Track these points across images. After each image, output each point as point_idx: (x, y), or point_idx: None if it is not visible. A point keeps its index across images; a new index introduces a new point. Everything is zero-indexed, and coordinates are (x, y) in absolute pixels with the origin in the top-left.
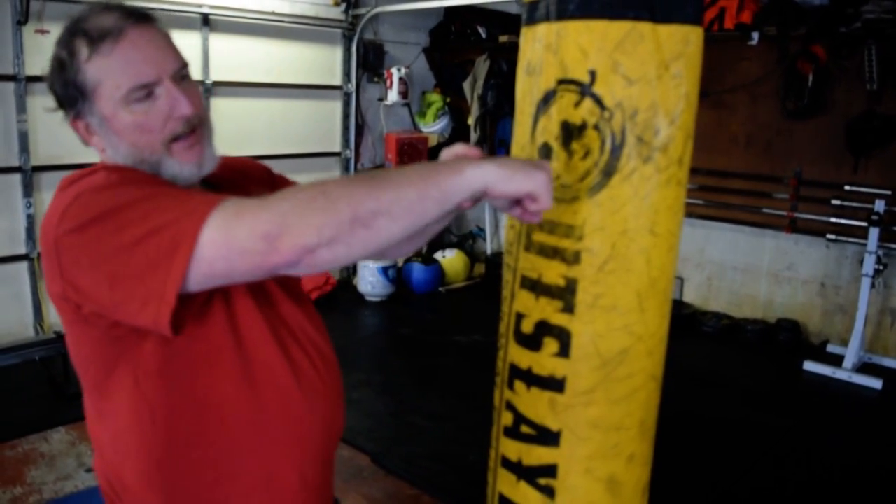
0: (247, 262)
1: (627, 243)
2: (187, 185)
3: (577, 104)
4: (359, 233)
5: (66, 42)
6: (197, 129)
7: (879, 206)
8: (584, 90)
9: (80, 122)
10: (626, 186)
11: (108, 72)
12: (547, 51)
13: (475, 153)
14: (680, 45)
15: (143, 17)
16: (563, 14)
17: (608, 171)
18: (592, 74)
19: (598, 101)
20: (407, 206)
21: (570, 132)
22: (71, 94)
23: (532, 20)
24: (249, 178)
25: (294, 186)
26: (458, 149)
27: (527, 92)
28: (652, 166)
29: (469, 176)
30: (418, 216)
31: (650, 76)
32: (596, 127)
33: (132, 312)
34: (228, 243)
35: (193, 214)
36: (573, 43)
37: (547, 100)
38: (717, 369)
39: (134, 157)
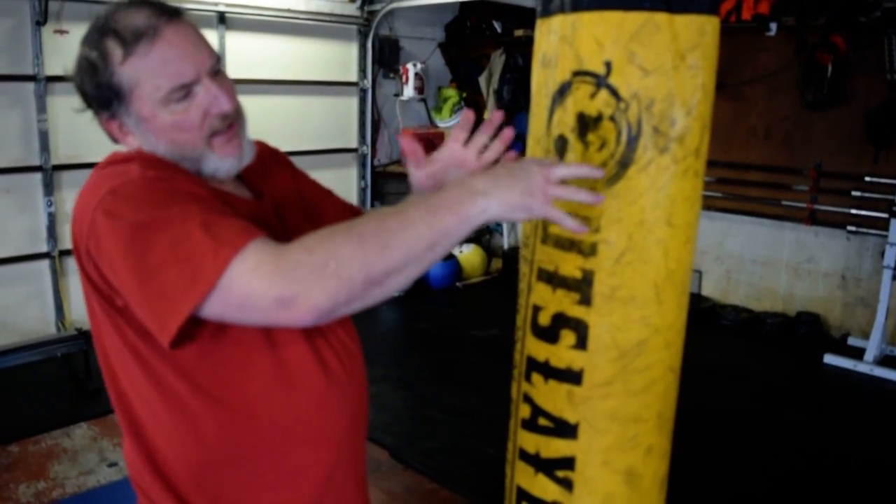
0: (258, 316)
1: (644, 235)
2: (227, 176)
3: (593, 96)
4: (373, 291)
5: (96, 42)
6: (234, 123)
7: None
8: (599, 81)
9: (114, 122)
10: (643, 177)
11: (146, 73)
12: (562, 42)
13: (472, 164)
14: (696, 35)
15: (175, 13)
16: (578, 5)
17: (624, 163)
18: (608, 65)
19: (614, 93)
20: (417, 258)
21: (586, 124)
22: (105, 95)
23: (547, 12)
24: (277, 164)
25: (305, 240)
26: (454, 150)
27: (542, 84)
28: (668, 157)
29: (475, 215)
30: (427, 263)
31: (666, 67)
32: (612, 118)
33: (143, 320)
34: (243, 298)
35: (217, 254)
36: (588, 34)
37: (562, 92)
38: (737, 363)
39: (173, 155)
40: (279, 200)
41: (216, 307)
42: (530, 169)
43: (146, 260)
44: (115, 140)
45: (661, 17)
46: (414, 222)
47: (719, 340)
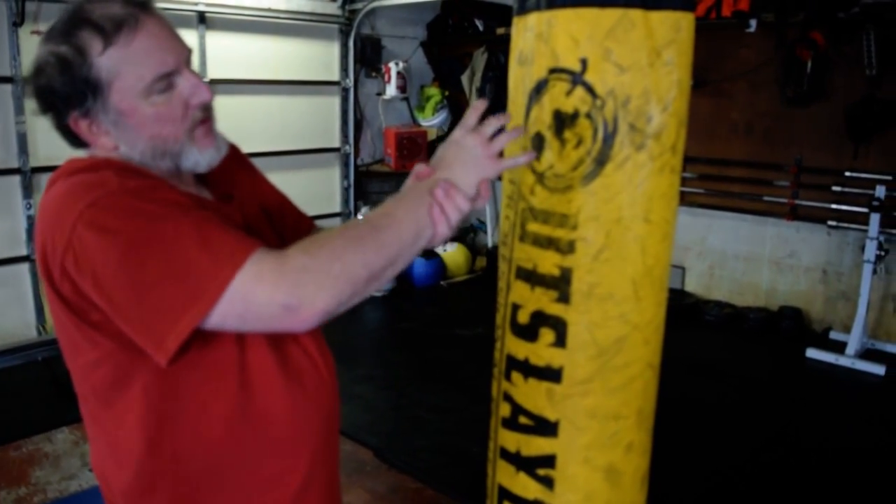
0: (262, 324)
1: (622, 232)
2: (205, 170)
3: (569, 93)
4: (371, 285)
5: (67, 36)
6: (208, 115)
7: (880, 191)
8: (575, 79)
9: (85, 121)
10: (620, 175)
11: (128, 63)
12: (538, 40)
13: (426, 172)
14: (671, 31)
15: (146, 5)
16: (553, 3)
17: (601, 160)
18: (584, 63)
19: (590, 90)
20: (407, 251)
21: (563, 121)
22: (79, 91)
23: (523, 10)
24: (240, 165)
25: (303, 245)
26: (417, 168)
27: (519, 82)
28: (645, 154)
29: None
30: (415, 253)
31: (642, 63)
32: (588, 115)
33: (135, 338)
34: (246, 307)
35: (219, 270)
36: (564, 31)
37: (539, 89)
38: (720, 358)
39: (154, 151)
40: (244, 202)
41: (215, 319)
42: (468, 145)
43: (141, 276)
44: (79, 143)
45: (636, 14)
46: (401, 219)
47: (703, 336)
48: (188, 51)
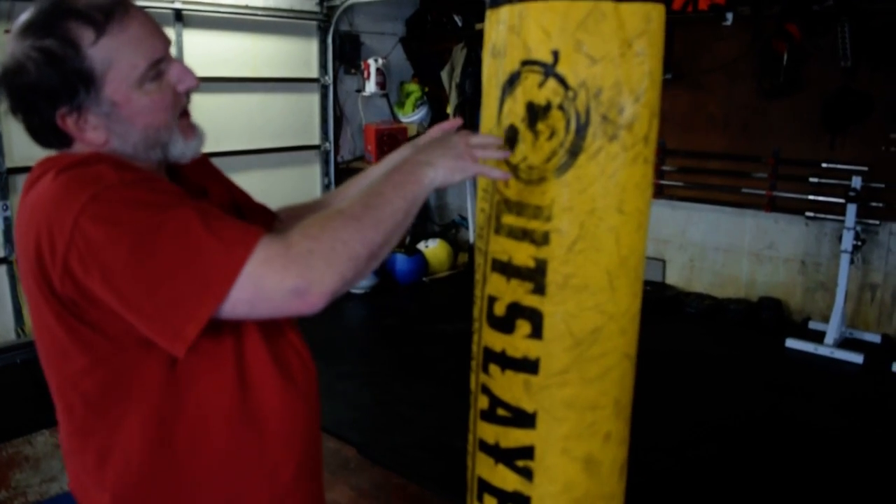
0: (271, 308)
1: (596, 222)
2: (190, 160)
3: (542, 85)
4: (371, 263)
5: (51, 29)
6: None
7: (856, 182)
8: (547, 70)
9: (72, 117)
10: (593, 165)
11: (121, 52)
12: (510, 32)
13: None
14: (642, 22)
15: None
16: None
17: (574, 151)
18: (555, 54)
19: (562, 81)
20: (399, 225)
21: (536, 113)
22: (71, 84)
23: (496, 3)
24: (207, 165)
25: (304, 228)
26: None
27: (492, 74)
28: (618, 145)
29: (428, 183)
30: (405, 228)
31: (613, 54)
32: (560, 107)
33: (148, 331)
34: (256, 292)
35: (230, 256)
36: (535, 23)
37: (512, 81)
38: (701, 349)
39: (147, 141)
40: (218, 198)
41: (227, 306)
42: (452, 139)
43: (153, 267)
44: (55, 143)
45: (606, 6)
46: (391, 198)
47: (684, 328)
48: (169, 39)
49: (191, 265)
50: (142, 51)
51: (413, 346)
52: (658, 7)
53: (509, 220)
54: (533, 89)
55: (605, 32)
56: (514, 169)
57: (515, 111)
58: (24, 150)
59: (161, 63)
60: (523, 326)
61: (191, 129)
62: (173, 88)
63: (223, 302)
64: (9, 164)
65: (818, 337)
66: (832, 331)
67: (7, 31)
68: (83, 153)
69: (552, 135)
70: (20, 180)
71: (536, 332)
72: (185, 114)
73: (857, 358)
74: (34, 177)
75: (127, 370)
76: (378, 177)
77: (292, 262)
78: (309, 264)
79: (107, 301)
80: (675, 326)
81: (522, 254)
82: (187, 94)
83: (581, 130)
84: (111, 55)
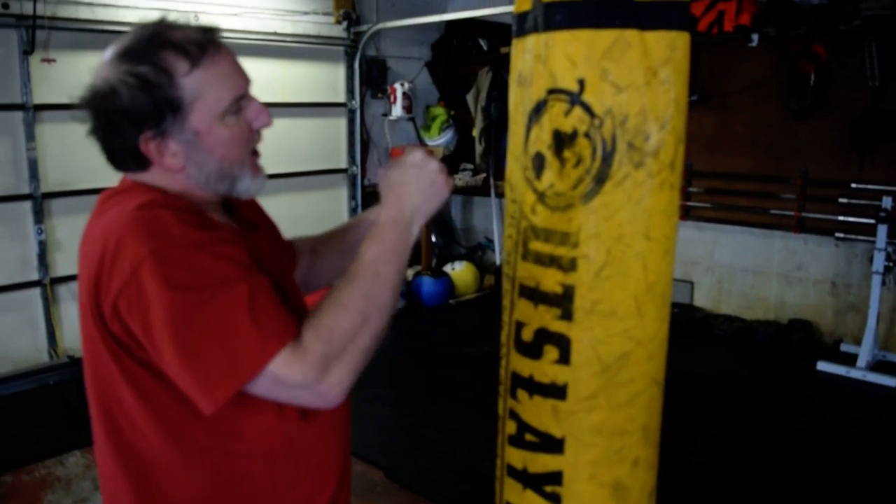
0: (289, 398)
1: (623, 249)
2: (253, 196)
3: (568, 113)
4: (377, 343)
5: (148, 57)
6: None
7: (887, 202)
8: (573, 99)
9: (155, 142)
10: (619, 192)
11: (210, 85)
12: (536, 61)
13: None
14: (667, 50)
15: (218, 33)
16: (550, 24)
17: (600, 178)
18: (581, 83)
19: (588, 109)
20: (396, 295)
21: (562, 141)
22: (160, 110)
23: (522, 32)
24: (256, 208)
25: (315, 328)
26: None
27: (519, 102)
28: (644, 171)
29: (413, 239)
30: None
31: (639, 82)
32: (587, 135)
33: (180, 385)
34: (275, 387)
35: (263, 348)
36: (561, 52)
37: (538, 109)
38: (731, 372)
39: (220, 173)
40: (268, 233)
41: (248, 388)
42: (427, 170)
43: (191, 335)
44: (131, 165)
45: (631, 34)
46: (388, 278)
47: (713, 350)
48: (250, 78)
49: (224, 345)
50: (229, 85)
51: (440, 368)
52: (683, 35)
53: (536, 246)
54: (559, 117)
55: (630, 61)
56: (541, 196)
57: (542, 139)
58: (59, 175)
59: (243, 99)
60: (551, 352)
61: (258, 168)
62: (249, 125)
63: (246, 384)
64: (44, 189)
65: (850, 359)
66: (864, 353)
67: (44, 60)
68: (151, 191)
69: (578, 162)
70: (55, 204)
71: (564, 358)
72: (255, 152)
73: (891, 381)
74: (105, 199)
75: (171, 404)
76: (369, 246)
77: (311, 368)
78: (325, 369)
79: (146, 347)
80: (703, 349)
81: (550, 280)
82: (259, 133)
83: (607, 158)
84: (201, 87)
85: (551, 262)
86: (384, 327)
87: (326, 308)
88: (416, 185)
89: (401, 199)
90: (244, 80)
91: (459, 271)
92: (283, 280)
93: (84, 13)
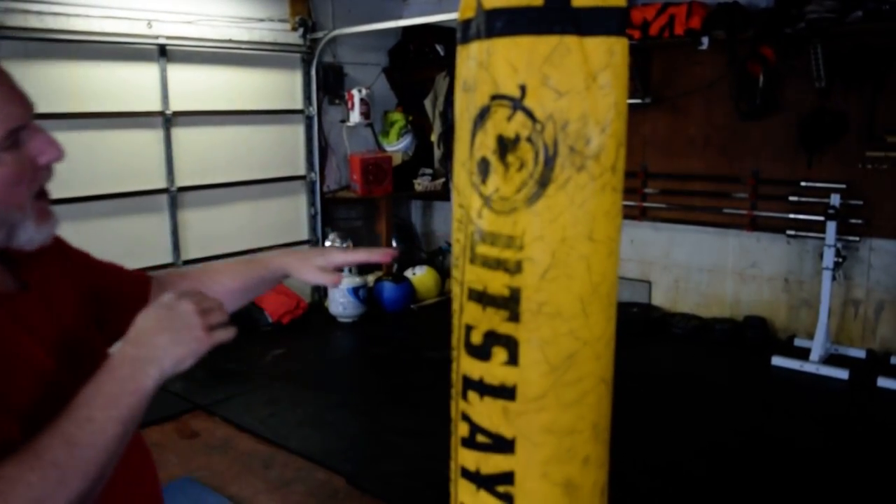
0: None
1: (567, 251)
2: (37, 248)
3: (510, 118)
4: None
5: None
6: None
7: (835, 200)
8: (515, 104)
9: None
10: (562, 195)
11: None
12: (480, 68)
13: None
14: (606, 55)
15: None
16: (491, 31)
17: (543, 182)
18: (523, 89)
19: (530, 115)
20: (115, 453)
21: (505, 146)
22: None
23: (466, 38)
24: (53, 250)
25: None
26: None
27: (464, 109)
28: (586, 175)
29: (152, 385)
30: (123, 447)
31: (579, 87)
32: (529, 139)
33: None
34: None
35: None
36: (503, 59)
37: (482, 115)
38: (688, 369)
39: None
40: (49, 291)
41: None
42: (183, 312)
43: None
44: None
45: (571, 41)
46: (103, 426)
47: (671, 348)
48: (34, 106)
49: None
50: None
51: (401, 374)
52: (621, 40)
53: (483, 249)
54: (502, 123)
55: (570, 66)
56: (486, 200)
57: (487, 144)
58: None
59: (21, 131)
60: (500, 354)
61: (46, 213)
62: (33, 161)
63: None
64: None
65: (804, 354)
66: (817, 347)
67: None
68: None
69: (522, 166)
70: None
71: (513, 359)
72: (42, 194)
73: (843, 374)
74: None
75: None
76: (86, 385)
77: None
78: None
79: None
80: (662, 347)
81: (497, 282)
82: (49, 170)
83: (549, 162)
84: None
85: (498, 265)
86: (92, 489)
87: (22, 460)
88: (165, 326)
89: (142, 343)
90: (23, 108)
91: (420, 276)
92: (66, 337)
93: (33, 22)
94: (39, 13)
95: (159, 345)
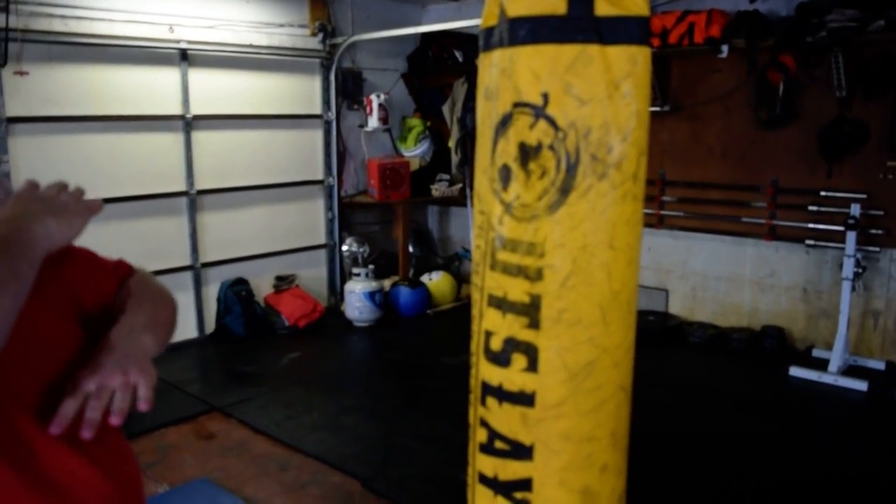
0: None
1: (588, 258)
2: None
3: (532, 126)
4: None
5: None
6: None
7: (855, 209)
8: (537, 112)
9: None
10: (584, 203)
11: None
12: (502, 75)
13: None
14: (628, 64)
15: None
16: (515, 39)
17: (565, 189)
18: (545, 97)
19: (552, 122)
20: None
21: (527, 153)
22: None
23: (488, 46)
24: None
25: None
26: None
27: (486, 116)
28: (607, 183)
29: (42, 240)
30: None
31: (601, 96)
32: (551, 147)
33: None
34: None
35: None
36: (526, 67)
37: (504, 123)
38: (705, 379)
39: None
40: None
41: None
42: (37, 192)
43: None
44: None
45: (593, 49)
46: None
47: (688, 357)
48: None
49: None
50: None
51: (417, 379)
52: (643, 49)
53: (504, 256)
54: (524, 130)
55: (592, 75)
56: (507, 207)
57: (508, 151)
58: None
59: None
60: (519, 360)
61: None
62: None
63: None
64: None
65: (822, 365)
66: (836, 358)
67: (17, 73)
68: None
69: (543, 174)
70: None
71: (532, 366)
72: None
73: (862, 385)
74: None
75: None
76: None
77: None
78: None
79: None
80: (678, 356)
81: (517, 289)
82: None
83: (571, 169)
84: None
85: (518, 271)
86: None
87: None
88: (37, 204)
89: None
90: None
91: (436, 281)
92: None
93: (57, 25)
94: (63, 17)
95: (31, 207)
